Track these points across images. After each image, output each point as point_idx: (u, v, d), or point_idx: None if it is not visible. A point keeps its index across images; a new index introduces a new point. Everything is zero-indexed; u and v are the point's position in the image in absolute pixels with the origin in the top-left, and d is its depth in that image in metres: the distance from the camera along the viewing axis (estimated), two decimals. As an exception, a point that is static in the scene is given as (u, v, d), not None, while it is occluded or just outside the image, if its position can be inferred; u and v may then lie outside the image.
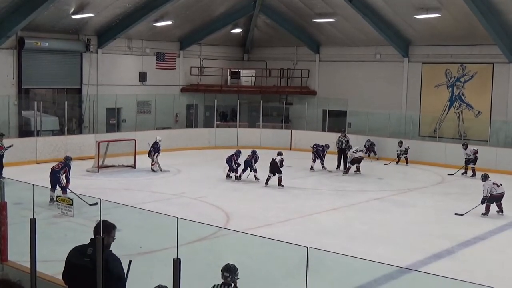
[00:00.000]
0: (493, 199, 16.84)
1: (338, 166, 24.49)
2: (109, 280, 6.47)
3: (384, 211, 17.63)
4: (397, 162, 26.22)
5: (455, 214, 16.77)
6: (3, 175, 19.51)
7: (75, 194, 12.56)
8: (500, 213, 16.91)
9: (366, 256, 7.18)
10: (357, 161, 23.72)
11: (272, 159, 20.83)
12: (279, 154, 21.53)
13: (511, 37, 26.16)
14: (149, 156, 22.84)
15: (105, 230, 6.63)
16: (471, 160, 23.60)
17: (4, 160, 20.52)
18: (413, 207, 18.29)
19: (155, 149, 22.73)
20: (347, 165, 23.76)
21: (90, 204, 13.89)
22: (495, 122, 27.16)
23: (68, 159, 17.63)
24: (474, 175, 23.10)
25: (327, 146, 24.27)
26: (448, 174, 23.64)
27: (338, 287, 10.35)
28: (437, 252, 13.31)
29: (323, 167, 24.07)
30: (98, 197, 7.54)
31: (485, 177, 17.23)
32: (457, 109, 28.82)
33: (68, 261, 6.65)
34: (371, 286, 10.53)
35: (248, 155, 21.88)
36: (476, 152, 23.52)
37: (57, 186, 16.63)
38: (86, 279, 6.54)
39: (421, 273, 9.75)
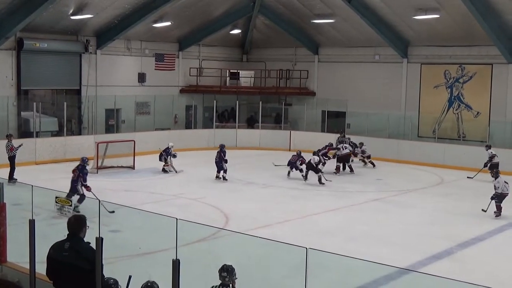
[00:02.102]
0: (502, 198, 16.78)
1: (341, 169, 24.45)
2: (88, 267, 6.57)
3: (384, 212, 17.63)
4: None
5: (482, 210, 16.91)
6: (15, 177, 19.43)
7: (99, 200, 12.52)
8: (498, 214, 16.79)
9: (366, 257, 7.17)
10: (344, 159, 23.74)
11: (309, 160, 21.68)
12: (314, 154, 22.20)
13: (509, 38, 26.17)
14: (160, 160, 23.02)
15: (82, 223, 6.71)
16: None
17: (2, 161, 20.50)
18: (413, 208, 18.29)
19: (167, 153, 22.85)
20: (336, 164, 23.83)
21: (110, 212, 14.20)
22: (494, 123, 27.15)
23: (84, 161, 17.33)
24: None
25: (330, 144, 24.47)
26: (468, 177, 23.12)
27: (337, 287, 10.34)
28: (436, 253, 13.31)
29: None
30: (97, 198, 7.53)
31: (496, 174, 17.36)
32: (456, 110, 28.82)
33: (49, 258, 6.79)
34: (370, 287, 10.53)
35: (293, 156, 22.56)
36: (492, 156, 22.84)
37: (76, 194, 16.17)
38: (66, 273, 6.66)
39: (421, 273, 9.76)
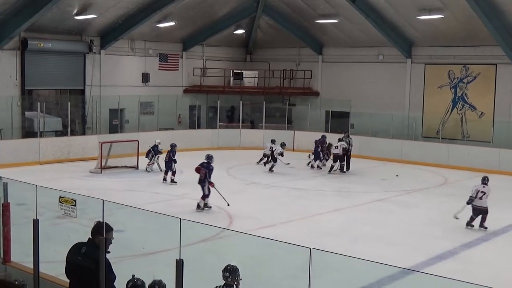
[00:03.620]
0: (475, 211, 15.45)
1: (346, 167, 24.41)
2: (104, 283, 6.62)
3: (387, 212, 17.62)
4: None
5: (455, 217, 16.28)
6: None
7: (102, 200, 12.52)
8: (483, 228, 15.38)
9: (369, 257, 7.16)
10: (338, 157, 23.72)
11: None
12: (339, 140, 23.94)
13: (514, 38, 26.14)
14: (147, 157, 22.93)
15: (103, 230, 6.72)
16: None
17: (6, 161, 20.55)
18: (416, 208, 18.27)
19: (155, 152, 22.78)
20: (331, 163, 24.01)
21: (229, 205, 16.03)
22: (498, 123, 27.10)
23: (209, 158, 17.42)
24: None
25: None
26: None
27: (341, 288, 10.34)
28: (440, 253, 13.30)
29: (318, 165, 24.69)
30: (100, 198, 7.54)
31: (483, 179, 15.79)
32: (460, 110, 28.78)
33: (66, 258, 6.90)
34: (374, 287, 10.52)
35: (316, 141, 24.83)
36: None
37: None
38: (80, 277, 6.76)
39: (424, 274, 9.74)
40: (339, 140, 24.87)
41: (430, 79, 29.64)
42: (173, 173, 20.90)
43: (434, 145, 27.43)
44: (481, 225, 15.38)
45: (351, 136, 25.72)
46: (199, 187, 20.15)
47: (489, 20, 24.53)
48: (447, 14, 26.14)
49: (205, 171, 17.05)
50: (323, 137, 25.50)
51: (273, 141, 24.45)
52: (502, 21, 25.10)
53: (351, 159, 24.69)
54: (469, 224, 15.44)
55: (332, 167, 23.82)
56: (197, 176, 22.09)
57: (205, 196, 16.95)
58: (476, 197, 15.37)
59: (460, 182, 22.65)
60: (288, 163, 24.10)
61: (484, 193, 15.38)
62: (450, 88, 29.06)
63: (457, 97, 28.88)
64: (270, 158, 23.83)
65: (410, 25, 28.55)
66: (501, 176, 23.02)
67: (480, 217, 15.39)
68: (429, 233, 15.11)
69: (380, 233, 15.03)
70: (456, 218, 15.63)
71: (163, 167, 22.24)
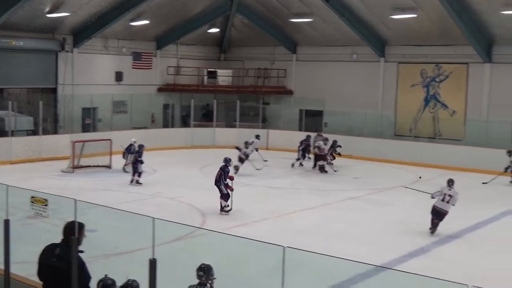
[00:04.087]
0: (434, 211, 14.98)
1: (315, 166, 24.50)
2: (80, 282, 6.53)
3: (361, 210, 17.73)
4: None
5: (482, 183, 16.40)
6: None
7: (75, 200, 12.40)
8: (430, 230, 14.97)
9: (343, 255, 7.18)
10: (320, 157, 23.90)
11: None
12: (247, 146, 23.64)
13: (485, 38, 26.47)
14: (123, 157, 22.74)
15: (76, 230, 6.66)
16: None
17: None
18: (390, 206, 18.42)
19: (129, 151, 22.60)
20: (315, 162, 24.26)
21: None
22: (470, 122, 27.43)
23: (227, 161, 17.31)
24: None
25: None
26: (483, 183, 22.10)
27: (314, 286, 10.36)
28: (412, 251, 13.42)
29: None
30: (73, 198, 7.47)
31: (448, 182, 15.21)
32: (432, 109, 29.06)
33: (39, 260, 6.79)
34: (347, 285, 10.57)
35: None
36: None
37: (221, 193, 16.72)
38: (54, 278, 6.67)
39: (397, 271, 9.80)
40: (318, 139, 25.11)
41: (403, 78, 29.88)
42: (139, 175, 20.46)
43: (407, 144, 27.64)
44: (432, 229, 14.89)
45: (324, 135, 25.85)
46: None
47: (461, 19, 24.82)
48: (420, 13, 26.36)
49: (220, 172, 16.94)
50: (308, 137, 26.01)
51: (247, 143, 23.75)
52: (474, 21, 25.42)
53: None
54: (432, 230, 14.86)
55: (315, 164, 24.12)
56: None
57: (223, 195, 16.67)
58: (442, 199, 14.79)
59: (433, 180, 22.82)
60: (266, 160, 24.21)
61: (451, 197, 14.78)
62: (423, 87, 29.32)
63: (429, 96, 29.15)
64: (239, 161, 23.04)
65: (384, 24, 28.75)
66: (473, 174, 23.29)
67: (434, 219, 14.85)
68: (401, 231, 15.23)
69: (353, 231, 15.11)
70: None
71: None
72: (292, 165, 24.95)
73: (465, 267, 12.40)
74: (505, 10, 23.90)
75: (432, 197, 15.06)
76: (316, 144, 24.37)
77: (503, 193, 20.84)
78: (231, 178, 16.91)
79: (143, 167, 20.68)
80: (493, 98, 27.02)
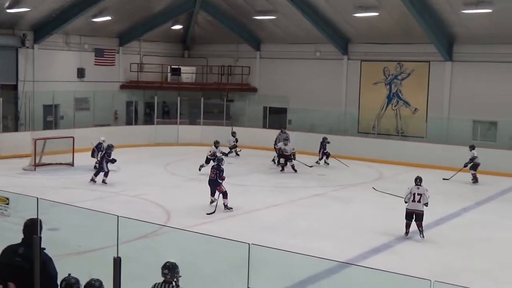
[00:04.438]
0: (408, 215, 14.47)
1: (277, 162, 24.53)
2: (46, 280, 6.42)
3: (325, 207, 17.84)
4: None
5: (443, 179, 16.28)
6: None
7: (37, 198, 12.18)
8: (421, 236, 14.29)
9: (308, 252, 7.24)
10: (285, 157, 23.63)
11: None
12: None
13: (446, 36, 26.87)
14: (92, 156, 22.41)
15: (36, 228, 6.56)
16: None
17: None
18: (353, 203, 18.58)
19: (98, 149, 22.35)
20: (279, 160, 24.09)
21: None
22: (431, 119, 27.83)
23: (219, 161, 17.35)
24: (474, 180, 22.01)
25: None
26: (443, 179, 22.25)
27: (280, 282, 10.40)
28: (376, 247, 13.56)
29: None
30: (35, 196, 7.36)
31: (416, 180, 14.76)
32: (395, 106, 29.39)
33: (0, 261, 6.61)
34: (312, 281, 10.63)
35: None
36: (473, 158, 22.03)
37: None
38: (19, 279, 6.50)
39: (361, 267, 9.91)
40: (285, 139, 25.09)
41: (366, 75, 30.15)
42: (106, 174, 20.06)
43: (369, 141, 27.91)
44: (421, 233, 14.22)
45: (288, 132, 25.94)
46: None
47: (422, 18, 25.15)
48: (382, 12, 26.62)
49: (216, 171, 16.95)
50: (325, 138, 25.62)
51: (216, 143, 22.67)
52: (435, 20, 25.78)
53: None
54: (407, 232, 14.36)
55: (279, 163, 24.02)
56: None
57: (224, 194, 16.74)
58: (412, 200, 14.34)
59: (394, 177, 23.12)
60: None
61: (421, 195, 14.34)
62: (385, 85, 29.64)
63: (392, 94, 29.48)
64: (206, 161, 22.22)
65: (347, 22, 28.95)
66: (434, 170, 23.61)
67: (414, 222, 14.31)
68: (365, 227, 15.37)
69: (317, 228, 15.20)
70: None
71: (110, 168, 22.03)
72: (313, 164, 24.63)
73: (428, 262, 12.57)
74: (465, 9, 24.29)
75: (405, 202, 14.50)
76: (277, 147, 24.12)
77: (464, 189, 21.19)
78: (223, 179, 16.91)
79: (111, 166, 20.40)
80: (454, 96, 27.46)
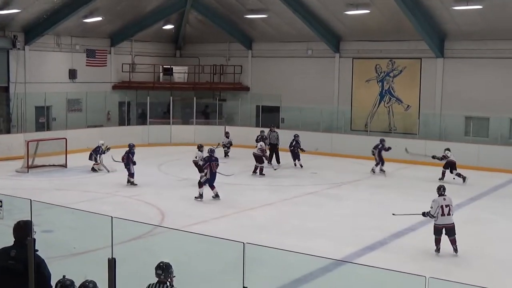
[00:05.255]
0: (438, 231, 12.99)
1: (270, 161, 24.51)
2: (40, 282, 6.42)
3: (318, 205, 17.85)
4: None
5: (393, 214, 14.98)
6: None
7: (30, 200, 12.11)
8: (454, 252, 12.87)
9: (302, 250, 7.24)
10: (258, 159, 22.35)
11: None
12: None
13: (437, 33, 26.94)
14: (90, 159, 22.37)
15: (28, 230, 6.54)
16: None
17: None
18: (347, 200, 18.60)
19: (96, 152, 22.30)
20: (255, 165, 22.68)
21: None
22: (424, 115, 27.89)
23: (212, 152, 18.26)
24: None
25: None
26: (439, 179, 21.18)
27: (274, 281, 10.41)
28: (370, 244, 13.57)
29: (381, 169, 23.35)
30: (28, 198, 7.34)
31: (439, 190, 13.22)
32: (387, 103, 29.44)
33: None
34: (307, 279, 10.65)
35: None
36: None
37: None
38: (11, 281, 6.50)
39: (356, 264, 9.93)
40: (275, 139, 25.05)
41: (358, 73, 30.18)
42: (132, 175, 19.93)
43: (362, 138, 27.91)
44: (455, 249, 12.82)
45: (277, 130, 25.94)
46: (129, 185, 20.01)
47: (413, 15, 25.21)
48: (374, 9, 26.65)
49: (217, 164, 17.99)
50: (382, 140, 23.75)
51: (200, 147, 20.74)
52: (426, 17, 25.84)
53: (280, 153, 24.92)
54: (439, 248, 12.88)
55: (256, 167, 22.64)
56: (127, 172, 21.79)
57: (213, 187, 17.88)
58: (441, 213, 12.81)
59: (388, 174, 23.15)
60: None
61: (449, 206, 12.88)
62: (378, 82, 29.68)
63: (384, 91, 29.53)
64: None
65: (338, 20, 28.98)
66: (428, 167, 23.65)
67: (445, 237, 12.92)
68: (359, 224, 15.40)
69: (311, 226, 15.21)
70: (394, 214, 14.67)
71: (110, 168, 22.16)
72: (373, 171, 23.25)
73: (423, 258, 12.60)
74: (456, 6, 24.34)
75: (433, 217, 12.97)
76: (259, 146, 22.85)
77: (456, 185, 21.18)
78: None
79: (110, 167, 20.37)
80: (446, 92, 27.54)
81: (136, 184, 19.84)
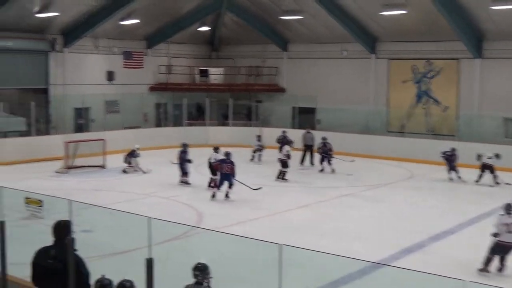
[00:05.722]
0: (499, 248, 11.79)
1: (302, 162, 24.40)
2: (79, 280, 6.52)
3: (355, 207, 17.75)
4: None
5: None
6: None
7: (70, 200, 12.35)
8: (501, 270, 11.89)
9: (338, 252, 7.22)
10: (284, 164, 21.72)
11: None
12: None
13: (475, 33, 26.56)
14: (125, 162, 22.71)
15: (68, 230, 6.64)
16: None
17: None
18: (383, 203, 18.45)
19: (131, 155, 22.54)
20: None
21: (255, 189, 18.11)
22: (462, 117, 27.52)
23: (228, 155, 18.19)
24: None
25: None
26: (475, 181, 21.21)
27: (311, 283, 10.38)
28: (408, 246, 13.44)
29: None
30: (67, 198, 7.45)
31: (507, 208, 11.95)
32: (424, 105, 29.14)
33: (33, 263, 6.73)
34: (344, 282, 10.60)
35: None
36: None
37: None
38: (52, 280, 6.61)
39: (393, 267, 9.84)
40: (310, 141, 24.93)
41: (394, 74, 29.95)
42: (186, 174, 20.28)
43: (399, 140, 27.71)
44: (502, 265, 11.90)
45: (312, 132, 25.87)
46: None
47: (450, 15, 24.91)
48: (410, 9, 26.39)
49: (231, 166, 17.91)
50: (453, 149, 22.31)
51: (216, 149, 20.49)
52: (463, 17, 25.51)
53: (314, 154, 24.85)
54: (486, 268, 11.76)
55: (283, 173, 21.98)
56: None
57: (232, 186, 18.00)
58: (508, 231, 11.70)
59: (425, 176, 22.93)
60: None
61: None
62: (414, 83, 29.40)
63: (421, 92, 29.23)
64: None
65: (374, 21, 28.79)
66: (466, 169, 23.32)
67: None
68: (396, 227, 15.27)
69: (348, 228, 15.14)
70: None
71: (145, 169, 22.48)
72: (451, 179, 22.04)
73: (461, 262, 12.43)
74: (494, 6, 23.93)
75: (497, 234, 11.81)
76: (285, 152, 22.03)
77: (494, 189, 20.83)
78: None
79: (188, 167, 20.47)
80: (484, 93, 27.14)
81: (189, 184, 20.12)
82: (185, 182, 20.27)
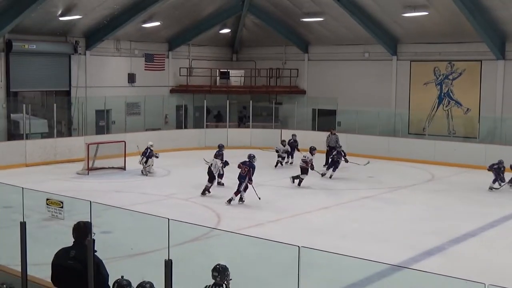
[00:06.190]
0: None
1: (327, 163, 24.40)
2: (99, 282, 6.56)
3: (375, 209, 17.67)
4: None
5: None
6: None
7: (90, 202, 12.38)
8: None
9: (358, 254, 7.18)
10: (303, 170, 21.00)
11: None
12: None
13: (498, 34, 26.31)
14: (140, 163, 22.73)
15: (88, 231, 6.68)
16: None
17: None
18: (404, 205, 18.34)
19: (145, 154, 22.60)
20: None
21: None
22: (484, 119, 27.28)
23: (251, 158, 18.19)
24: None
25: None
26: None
27: (330, 285, 10.35)
28: (428, 249, 13.35)
29: None
30: (88, 200, 7.50)
31: None
32: (446, 107, 28.92)
33: (53, 264, 6.80)
34: (363, 284, 10.55)
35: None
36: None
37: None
38: (72, 281, 6.66)
39: (413, 270, 9.77)
40: (334, 142, 24.80)
41: (415, 76, 29.77)
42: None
43: (420, 142, 27.54)
44: None
45: (337, 134, 25.79)
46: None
47: (473, 16, 24.69)
48: (432, 11, 26.25)
49: (248, 168, 17.71)
50: (500, 162, 21.01)
51: (221, 147, 21.56)
52: (486, 18, 25.27)
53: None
54: None
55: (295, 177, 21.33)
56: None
57: (238, 192, 17.64)
58: None
59: (447, 178, 22.76)
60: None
61: None
62: (436, 85, 29.20)
63: (443, 94, 29.03)
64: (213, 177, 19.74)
65: (395, 23, 28.65)
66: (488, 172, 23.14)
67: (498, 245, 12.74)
68: (416, 229, 15.17)
69: (368, 230, 15.07)
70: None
71: (151, 171, 22.45)
72: (491, 188, 20.80)
73: (482, 265, 12.32)
74: (518, 6, 23.76)
75: None
76: (303, 158, 21.39)
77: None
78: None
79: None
80: (507, 95, 26.86)
81: (223, 185, 20.03)
82: (220, 184, 20.13)
